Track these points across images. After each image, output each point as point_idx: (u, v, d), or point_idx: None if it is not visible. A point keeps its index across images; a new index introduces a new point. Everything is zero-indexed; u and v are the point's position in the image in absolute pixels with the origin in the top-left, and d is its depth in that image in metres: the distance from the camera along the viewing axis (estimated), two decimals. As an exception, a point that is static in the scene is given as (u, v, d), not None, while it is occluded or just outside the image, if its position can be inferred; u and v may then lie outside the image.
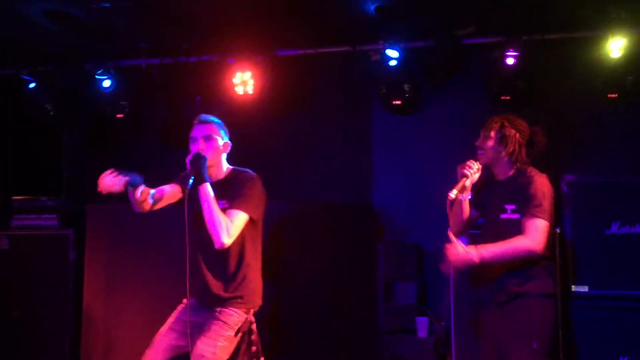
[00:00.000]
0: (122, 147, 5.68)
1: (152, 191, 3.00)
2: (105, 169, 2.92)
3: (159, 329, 3.04)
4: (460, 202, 3.11)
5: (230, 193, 2.98)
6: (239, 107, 5.04)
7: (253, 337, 3.00)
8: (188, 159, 2.91)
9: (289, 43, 4.93)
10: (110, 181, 2.83)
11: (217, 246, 2.87)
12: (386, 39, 4.56)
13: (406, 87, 4.64)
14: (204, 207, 2.87)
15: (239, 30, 4.65)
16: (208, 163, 2.94)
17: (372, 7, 4.23)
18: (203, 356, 2.84)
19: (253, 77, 4.90)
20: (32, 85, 5.14)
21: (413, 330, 4.41)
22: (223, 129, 3.15)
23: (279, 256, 4.08)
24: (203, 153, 2.96)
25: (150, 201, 2.99)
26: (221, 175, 3.10)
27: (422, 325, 4.37)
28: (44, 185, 5.50)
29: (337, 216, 4.34)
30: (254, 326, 3.02)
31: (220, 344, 2.88)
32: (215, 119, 3.15)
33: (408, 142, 5.13)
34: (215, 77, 5.02)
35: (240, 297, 2.97)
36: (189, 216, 2.89)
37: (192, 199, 2.93)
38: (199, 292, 2.99)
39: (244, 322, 2.97)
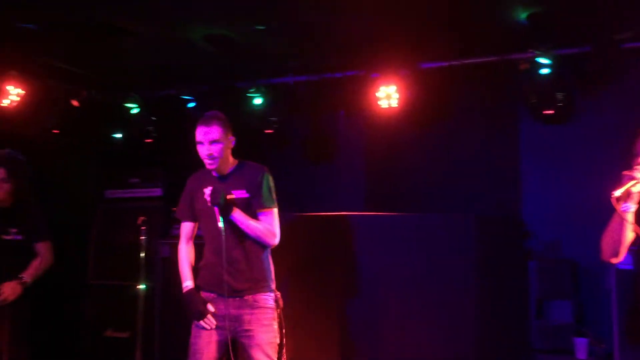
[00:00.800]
0: (268, 160, 5.94)
1: None
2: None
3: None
4: (623, 212, 2.83)
5: (249, 184, 3.13)
6: (383, 121, 5.12)
7: (278, 311, 3.19)
8: (207, 196, 3.03)
9: (433, 55, 4.92)
10: None
11: (269, 247, 3.17)
12: (537, 47, 4.41)
13: (559, 96, 4.46)
14: (242, 228, 3.08)
15: (383, 45, 4.72)
16: (217, 165, 3.10)
17: (523, 15, 4.11)
18: (270, 342, 3.08)
19: (397, 90, 4.95)
20: (191, 104, 5.53)
21: (569, 351, 4.19)
22: (227, 126, 3.18)
23: (428, 269, 4.07)
24: (212, 157, 3.07)
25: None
26: (229, 168, 3.20)
27: (581, 346, 4.14)
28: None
29: (486, 230, 4.23)
30: (280, 302, 3.20)
31: (275, 326, 3.13)
32: (218, 117, 3.17)
33: (559, 153, 4.91)
34: (360, 91, 5.13)
35: (265, 281, 3.16)
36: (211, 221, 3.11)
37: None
38: (222, 286, 3.09)
39: (277, 300, 3.17)
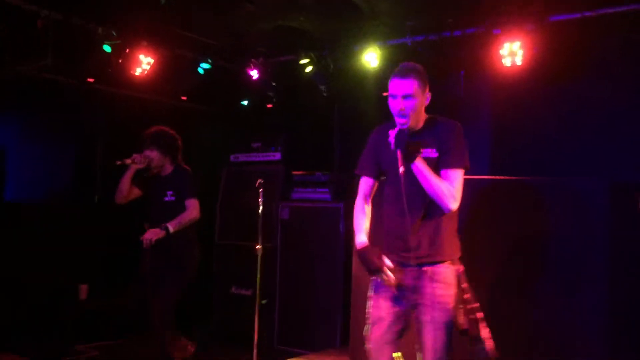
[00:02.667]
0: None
1: None
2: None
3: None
4: None
5: (439, 142, 2.87)
6: (506, 80, 4.81)
7: (464, 285, 2.89)
8: (391, 138, 2.81)
9: (563, 7, 4.51)
10: None
11: (446, 212, 2.84)
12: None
13: None
14: (422, 182, 2.81)
15: (506, -1, 4.41)
16: (409, 124, 2.84)
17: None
18: (444, 323, 2.83)
19: (522, 46, 4.61)
20: (309, 69, 5.56)
21: None
22: (425, 81, 2.91)
23: (551, 239, 3.77)
24: (404, 113, 2.82)
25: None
26: (420, 124, 2.94)
27: None
28: (319, 161, 5.96)
29: (623, 198, 3.77)
30: (463, 276, 2.91)
31: (452, 305, 2.85)
32: (416, 69, 2.90)
33: None
34: (481, 50, 4.85)
35: (445, 252, 2.89)
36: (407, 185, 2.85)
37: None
38: (403, 253, 2.90)
39: (457, 275, 2.88)
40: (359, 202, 3.10)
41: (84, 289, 5.58)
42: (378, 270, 2.85)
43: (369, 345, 2.98)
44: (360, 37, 5.34)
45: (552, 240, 3.80)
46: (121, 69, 5.26)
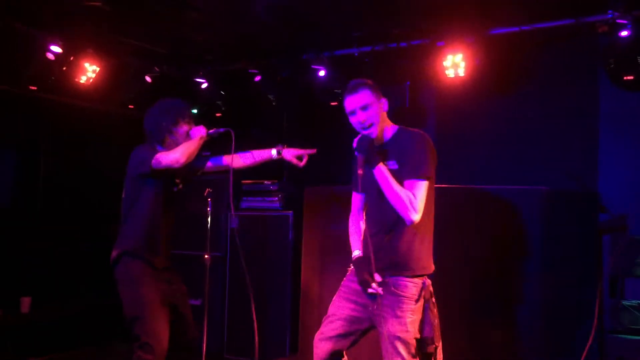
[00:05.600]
0: (333, 133, 5.91)
1: None
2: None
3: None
4: None
5: (400, 154, 2.87)
6: (449, 91, 4.95)
7: (433, 299, 2.91)
8: (354, 144, 2.86)
9: (502, 20, 4.68)
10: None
11: (407, 224, 2.80)
12: (617, 8, 4.09)
13: (640, 60, 4.12)
14: (383, 189, 2.81)
15: (449, 12, 4.53)
16: (375, 134, 2.89)
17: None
18: (398, 337, 2.79)
19: (464, 58, 4.76)
20: (257, 78, 5.58)
21: (645, 333, 3.93)
22: (376, 89, 2.95)
23: (491, 248, 3.92)
24: (365, 125, 2.88)
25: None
26: (388, 136, 2.96)
27: (657, 327, 3.87)
28: (268, 169, 5.95)
29: (557, 205, 4.00)
30: (431, 289, 2.91)
31: (408, 319, 2.81)
32: (364, 82, 2.95)
33: (641, 121, 4.57)
34: (425, 61, 4.98)
35: (409, 265, 2.87)
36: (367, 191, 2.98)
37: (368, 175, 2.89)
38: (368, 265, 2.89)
39: (421, 289, 2.86)
40: (351, 218, 3.19)
41: (26, 301, 5.42)
42: (366, 284, 2.86)
43: (315, 337, 3.07)
44: (308, 47, 5.41)
45: (492, 245, 3.96)
46: (65, 77, 5.17)
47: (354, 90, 2.92)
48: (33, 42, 4.94)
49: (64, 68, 5.11)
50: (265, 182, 5.61)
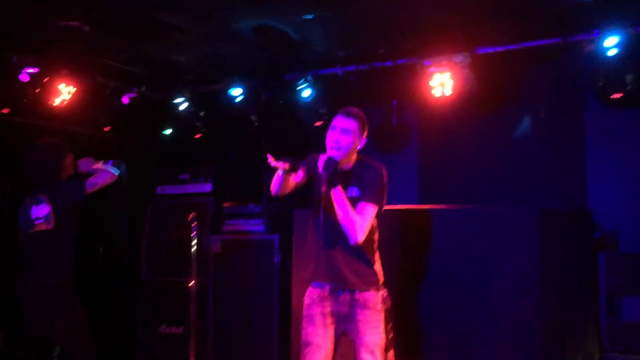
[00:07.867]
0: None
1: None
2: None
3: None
4: None
5: (359, 182, 3.09)
6: (436, 110, 4.92)
7: (388, 308, 3.15)
8: (321, 162, 3.00)
9: (489, 40, 4.68)
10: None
11: (351, 243, 3.03)
12: (603, 26, 4.12)
13: (628, 78, 4.15)
14: (337, 209, 3.01)
15: (436, 31, 4.51)
16: (340, 157, 3.04)
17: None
18: (377, 344, 3.04)
19: (452, 77, 4.73)
20: (239, 98, 5.46)
21: (643, 351, 3.92)
22: (364, 128, 3.15)
23: (481, 265, 3.86)
24: (338, 145, 3.05)
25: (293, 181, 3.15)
26: (350, 164, 3.16)
27: (656, 346, 3.86)
28: (251, 192, 5.83)
29: (549, 223, 3.96)
30: (388, 300, 3.16)
31: (381, 329, 3.07)
32: (360, 115, 3.15)
33: (629, 140, 4.60)
34: (412, 80, 4.94)
35: (375, 280, 3.13)
36: (327, 209, 3.08)
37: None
38: (336, 280, 3.11)
39: (385, 299, 3.12)
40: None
41: (0, 335, 5.14)
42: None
43: None
44: (291, 67, 5.32)
45: (485, 267, 3.89)
46: (39, 99, 4.96)
47: (348, 115, 3.12)
48: (5, 63, 4.74)
49: (38, 90, 4.91)
50: (249, 204, 5.47)
